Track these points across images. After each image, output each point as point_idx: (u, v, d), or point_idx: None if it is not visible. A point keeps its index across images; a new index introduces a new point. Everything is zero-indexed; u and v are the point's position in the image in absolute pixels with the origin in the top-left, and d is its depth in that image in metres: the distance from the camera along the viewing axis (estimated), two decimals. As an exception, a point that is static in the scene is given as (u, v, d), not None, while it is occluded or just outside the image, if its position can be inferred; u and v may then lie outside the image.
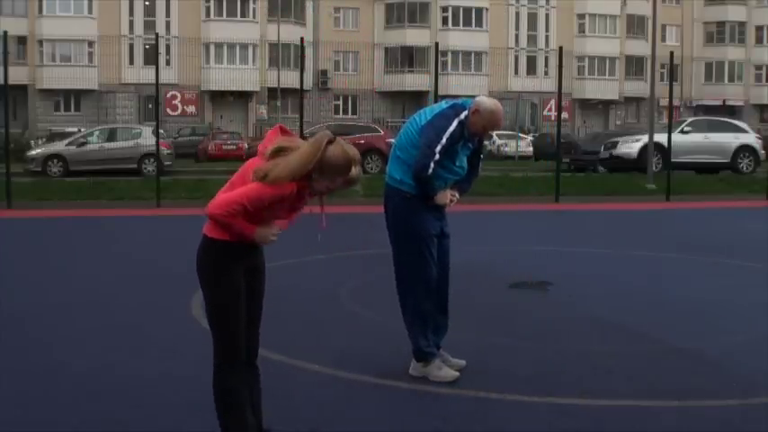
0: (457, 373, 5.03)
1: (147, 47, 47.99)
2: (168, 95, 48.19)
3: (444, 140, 4.86)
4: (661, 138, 21.14)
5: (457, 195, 5.12)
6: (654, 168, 21.46)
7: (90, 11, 48.58)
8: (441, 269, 5.16)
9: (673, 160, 19.29)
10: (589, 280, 8.51)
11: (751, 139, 25.67)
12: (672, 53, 19.10)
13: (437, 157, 4.85)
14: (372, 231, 12.96)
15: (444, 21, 53.47)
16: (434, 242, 5.08)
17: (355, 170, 3.46)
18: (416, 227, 5.01)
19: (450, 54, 50.34)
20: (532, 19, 55.80)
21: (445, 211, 5.17)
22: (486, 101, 5.04)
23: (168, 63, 47.44)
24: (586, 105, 56.94)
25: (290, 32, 46.58)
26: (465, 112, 4.94)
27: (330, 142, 3.39)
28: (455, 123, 4.91)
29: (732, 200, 17.73)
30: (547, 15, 56.36)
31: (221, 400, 3.59)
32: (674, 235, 12.21)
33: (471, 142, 5.08)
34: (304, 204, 3.57)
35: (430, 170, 4.86)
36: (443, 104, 5.09)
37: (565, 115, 50.01)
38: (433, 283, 5.06)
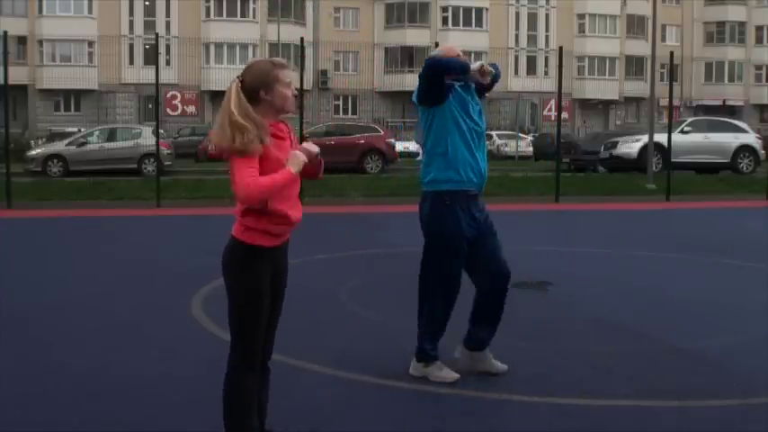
0: (457, 375, 5.03)
1: (147, 47, 48.01)
2: (168, 95, 48.20)
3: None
4: (661, 138, 21.14)
5: (491, 68, 4.91)
6: (654, 168, 21.46)
7: (90, 11, 48.60)
8: (495, 266, 5.01)
9: (673, 160, 19.28)
10: (589, 280, 8.51)
11: (751, 139, 25.67)
12: (672, 53, 19.09)
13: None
14: (372, 231, 12.99)
15: (444, 21, 53.48)
16: (465, 250, 4.95)
17: (279, 59, 3.53)
18: (449, 234, 4.90)
19: (449, 54, 50.29)
20: (532, 19, 55.80)
21: (485, 208, 5.04)
22: (437, 50, 5.10)
23: (168, 63, 47.46)
24: (586, 105, 56.93)
25: (290, 32, 46.61)
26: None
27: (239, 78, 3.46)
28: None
29: (732, 200, 17.73)
30: (547, 15, 56.37)
31: (231, 399, 3.57)
32: (674, 235, 12.21)
33: (472, 99, 4.99)
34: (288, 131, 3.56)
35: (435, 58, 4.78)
36: None
37: (565, 115, 49.99)
38: (454, 292, 5.01)
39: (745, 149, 25.20)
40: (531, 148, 39.21)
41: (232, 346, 3.57)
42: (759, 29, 60.90)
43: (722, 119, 29.83)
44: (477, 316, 5.13)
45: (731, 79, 60.12)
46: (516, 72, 54.38)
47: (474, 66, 4.87)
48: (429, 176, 4.96)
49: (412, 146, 38.26)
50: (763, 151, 25.66)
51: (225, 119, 3.38)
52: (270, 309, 3.61)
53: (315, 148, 3.55)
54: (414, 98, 5.06)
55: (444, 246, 4.94)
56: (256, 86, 3.45)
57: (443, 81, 4.83)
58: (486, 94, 5.32)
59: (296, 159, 3.44)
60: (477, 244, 4.99)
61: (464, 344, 5.18)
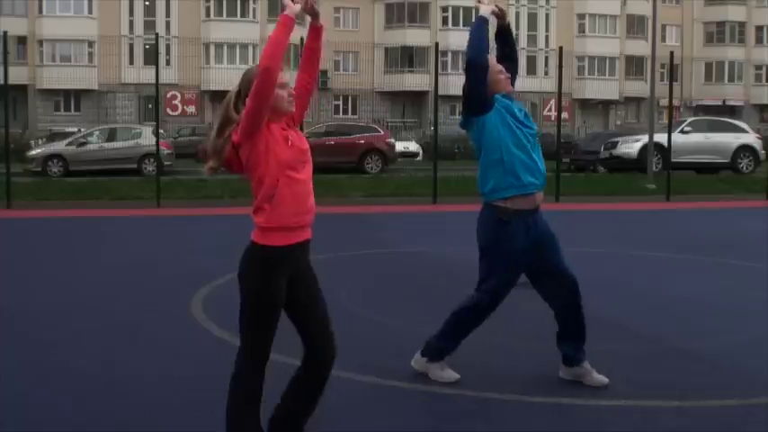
0: (457, 375, 5.02)
1: (147, 47, 48.00)
2: (168, 95, 48.19)
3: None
4: (661, 138, 21.14)
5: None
6: (654, 168, 21.47)
7: (90, 11, 48.58)
8: (560, 280, 4.94)
9: (673, 160, 19.28)
10: (589, 280, 8.47)
11: (751, 139, 25.68)
12: (672, 53, 19.09)
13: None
14: (372, 231, 12.98)
15: (444, 21, 53.47)
16: (518, 268, 4.90)
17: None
18: (503, 252, 4.82)
19: (450, 54, 50.29)
20: (532, 19, 55.79)
21: (539, 215, 4.94)
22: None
23: (168, 63, 47.44)
24: (586, 105, 56.93)
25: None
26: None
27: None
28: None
29: (732, 200, 17.73)
30: (547, 15, 56.36)
31: (235, 400, 3.57)
32: (674, 235, 12.21)
33: (514, 103, 4.97)
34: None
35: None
36: None
37: (565, 115, 50.01)
38: (495, 307, 4.98)
39: (745, 149, 25.21)
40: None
41: (241, 346, 3.57)
42: (759, 29, 60.89)
43: (722, 119, 29.84)
44: (561, 333, 5.06)
45: (731, 79, 60.11)
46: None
47: (483, 12, 4.85)
48: (488, 186, 4.83)
49: (412, 146, 38.29)
50: (763, 151, 25.66)
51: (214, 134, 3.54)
52: (310, 311, 3.62)
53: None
54: (462, 119, 4.99)
55: (497, 262, 4.86)
56: (249, 91, 3.47)
57: (485, 68, 4.80)
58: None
59: (293, 10, 3.46)
60: (539, 259, 4.90)
61: (563, 362, 5.10)
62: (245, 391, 3.57)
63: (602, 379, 5.01)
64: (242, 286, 3.56)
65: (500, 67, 4.96)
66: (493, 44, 5.11)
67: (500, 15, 4.95)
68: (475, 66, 4.80)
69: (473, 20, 4.92)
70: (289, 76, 3.58)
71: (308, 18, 3.72)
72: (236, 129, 3.49)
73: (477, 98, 4.82)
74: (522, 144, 4.81)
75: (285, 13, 3.46)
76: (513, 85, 5.06)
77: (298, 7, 3.49)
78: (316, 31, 3.74)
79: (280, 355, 5.46)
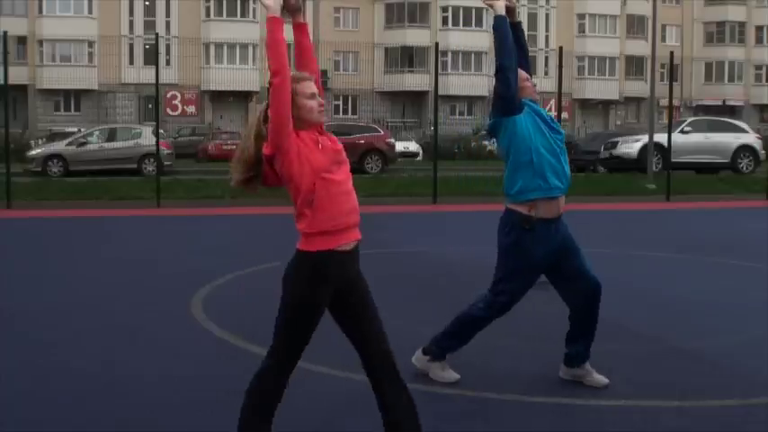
0: (458, 375, 5.02)
1: (147, 47, 48.00)
2: (168, 95, 48.20)
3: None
4: (661, 138, 21.14)
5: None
6: (654, 168, 21.47)
7: (90, 11, 48.59)
8: (583, 283, 4.98)
9: (673, 160, 19.28)
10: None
11: (751, 139, 25.68)
12: (672, 53, 19.09)
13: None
14: (372, 231, 12.96)
15: (444, 21, 53.47)
16: (535, 277, 4.92)
17: (298, 73, 3.60)
18: (522, 260, 4.83)
19: (450, 54, 50.36)
20: (532, 19, 55.77)
21: (561, 222, 4.98)
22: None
23: (168, 63, 47.46)
24: (586, 105, 56.94)
25: (289, 32, 46.23)
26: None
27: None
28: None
29: (732, 200, 17.73)
30: (547, 15, 56.37)
31: (253, 399, 3.54)
32: (674, 235, 12.21)
33: (541, 108, 4.97)
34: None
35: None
36: None
37: (565, 115, 50.05)
38: (508, 310, 4.99)
39: (745, 149, 25.21)
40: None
41: (272, 347, 3.54)
42: (759, 29, 60.90)
43: (722, 119, 29.84)
44: (571, 334, 5.08)
45: (731, 79, 60.12)
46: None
47: (501, 10, 4.85)
48: (516, 187, 4.83)
49: (412, 146, 38.28)
50: (763, 151, 25.67)
51: (243, 149, 3.52)
52: (363, 320, 3.58)
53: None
54: (490, 123, 4.97)
55: (515, 266, 4.86)
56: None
57: (515, 72, 4.82)
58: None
59: (267, 8, 3.49)
60: (560, 263, 4.92)
61: (564, 363, 5.12)
62: (264, 390, 3.53)
63: (602, 379, 5.02)
64: (285, 290, 3.50)
65: (526, 74, 4.97)
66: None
67: (511, 9, 4.95)
68: (506, 71, 4.79)
69: (492, 24, 4.87)
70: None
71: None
72: (266, 143, 3.45)
73: (509, 100, 4.81)
74: (552, 148, 4.83)
75: (268, 15, 3.46)
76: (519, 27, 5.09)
77: (277, 2, 3.48)
78: (299, 28, 3.72)
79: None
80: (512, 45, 4.85)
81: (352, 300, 3.57)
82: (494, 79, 4.87)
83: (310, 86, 3.52)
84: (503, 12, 4.87)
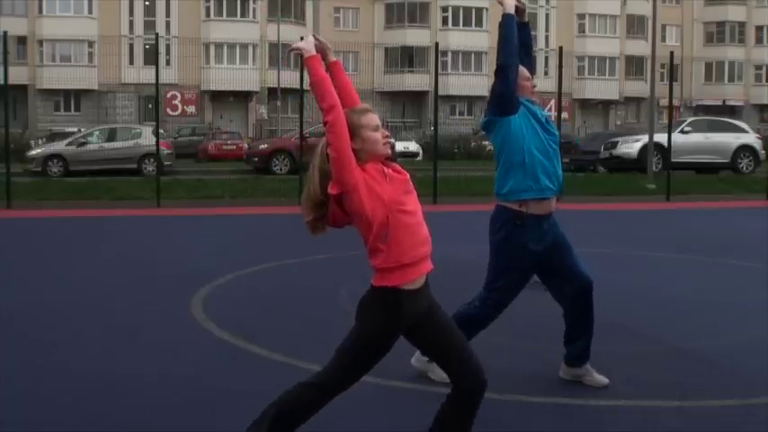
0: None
1: (147, 47, 48.02)
2: (168, 95, 48.21)
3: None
4: (661, 138, 21.14)
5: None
6: (654, 168, 21.46)
7: (90, 11, 48.61)
8: (575, 281, 4.97)
9: (673, 160, 19.28)
10: (589, 280, 8.49)
11: (751, 139, 25.68)
12: (672, 53, 19.08)
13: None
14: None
15: (444, 21, 53.50)
16: (534, 267, 4.90)
17: (360, 106, 3.52)
18: (514, 256, 4.82)
19: (450, 54, 50.38)
20: (532, 19, 55.08)
21: (553, 219, 4.98)
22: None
23: (168, 63, 47.49)
24: (586, 105, 56.95)
25: (290, 32, 46.58)
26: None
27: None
28: None
29: (732, 200, 17.73)
30: (547, 15, 56.40)
31: (285, 409, 3.45)
32: (674, 235, 12.21)
33: (536, 107, 4.96)
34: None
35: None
36: None
37: (565, 115, 50.04)
38: (503, 307, 4.98)
39: (745, 149, 25.21)
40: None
41: (328, 370, 3.47)
42: (759, 29, 60.93)
43: (722, 119, 29.84)
44: (568, 334, 5.08)
45: (731, 79, 60.14)
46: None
47: (508, 10, 4.85)
48: (506, 187, 4.83)
49: (412, 146, 38.27)
50: (763, 151, 25.67)
51: (310, 188, 3.42)
52: (444, 342, 3.52)
53: (306, 43, 3.47)
54: (484, 120, 4.96)
55: (507, 263, 4.86)
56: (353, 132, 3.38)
57: (516, 70, 4.79)
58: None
59: (303, 50, 3.43)
60: (552, 261, 4.91)
61: (564, 362, 5.12)
62: (300, 404, 3.46)
63: (602, 379, 5.02)
64: (359, 322, 3.43)
65: (527, 74, 4.95)
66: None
67: (521, 9, 4.96)
68: (507, 69, 4.77)
69: (500, 22, 4.86)
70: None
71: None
72: (331, 182, 3.36)
73: (507, 99, 4.79)
74: (545, 149, 4.82)
75: (305, 57, 3.40)
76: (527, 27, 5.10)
77: (309, 41, 3.44)
78: (334, 66, 3.61)
79: (281, 355, 5.47)
80: (515, 44, 4.83)
81: (424, 330, 3.51)
82: (493, 77, 4.86)
83: (374, 118, 3.47)
84: (512, 10, 4.86)
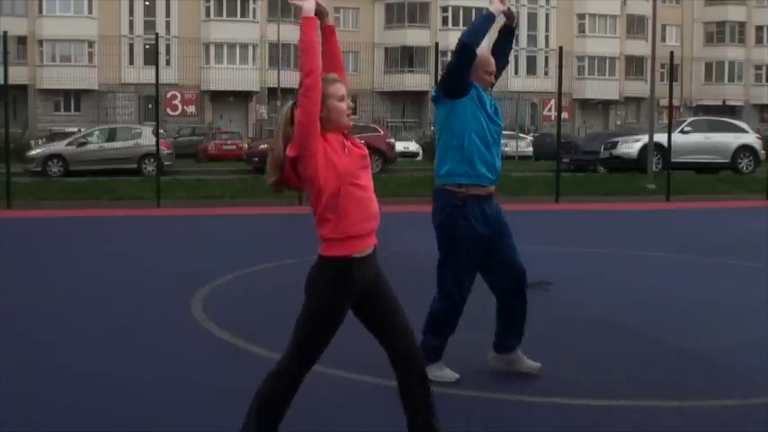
0: (457, 375, 5.03)
1: (147, 47, 48.02)
2: (168, 95, 48.21)
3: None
4: (661, 138, 21.15)
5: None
6: (654, 168, 21.47)
7: (90, 11, 48.61)
8: (511, 270, 5.01)
9: (673, 160, 19.28)
10: (589, 280, 8.51)
11: (751, 139, 25.68)
12: (672, 53, 19.08)
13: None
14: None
15: (444, 21, 53.50)
16: (478, 250, 4.93)
17: (330, 74, 3.54)
18: (460, 234, 4.86)
19: (449, 54, 50.31)
20: (532, 19, 55.80)
21: (499, 209, 5.03)
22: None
23: (168, 63, 47.48)
24: (586, 105, 56.96)
25: (290, 32, 46.60)
26: None
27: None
28: None
29: (732, 200, 17.73)
30: (547, 15, 56.38)
31: (262, 399, 3.51)
32: (674, 235, 12.21)
33: (488, 100, 4.98)
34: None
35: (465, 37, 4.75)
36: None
37: (565, 115, 50.03)
38: (466, 292, 5.00)
39: (745, 149, 25.21)
40: (531, 148, 39.21)
41: (290, 353, 3.52)
42: (759, 29, 60.93)
43: (722, 119, 29.84)
44: (500, 321, 5.13)
45: (731, 79, 60.14)
46: (516, 72, 54.30)
47: (495, 11, 4.83)
48: (444, 169, 4.91)
49: (412, 146, 38.28)
50: (763, 151, 25.67)
51: (273, 150, 3.46)
52: (387, 316, 3.58)
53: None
54: (434, 92, 5.00)
55: (455, 246, 4.90)
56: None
57: (473, 56, 4.81)
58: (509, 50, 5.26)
59: (303, 9, 3.43)
60: (490, 247, 4.95)
61: (494, 348, 5.18)
62: (275, 393, 3.52)
63: (534, 364, 5.12)
64: (309, 295, 3.48)
65: (493, 67, 4.98)
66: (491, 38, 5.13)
67: (509, 16, 4.98)
68: (466, 50, 4.78)
69: (482, 13, 4.90)
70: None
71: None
72: (290, 144, 3.42)
73: (458, 82, 4.83)
74: (485, 138, 4.87)
75: (303, 15, 3.42)
76: (496, 79, 5.10)
77: (311, 3, 3.45)
78: (328, 30, 3.65)
79: (280, 355, 5.47)
80: (481, 36, 4.83)
81: (373, 299, 3.57)
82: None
83: (341, 89, 3.51)
84: (496, 13, 4.86)
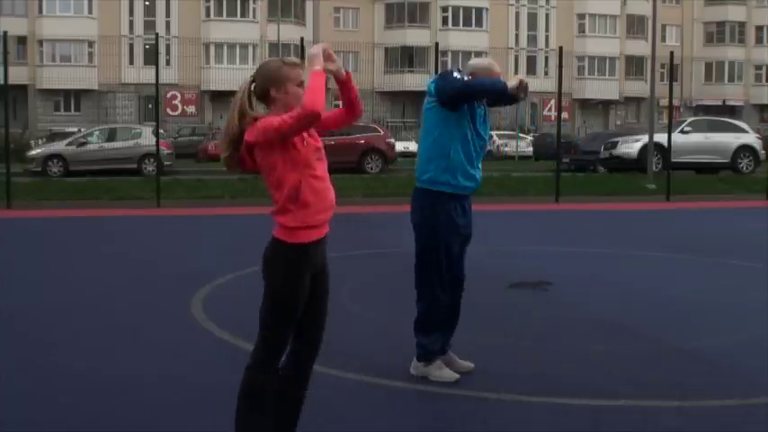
0: (457, 375, 5.03)
1: (147, 47, 48.01)
2: (168, 95, 48.20)
3: (457, 74, 4.82)
4: (661, 138, 21.14)
5: (526, 80, 4.95)
6: (654, 168, 21.46)
7: (90, 11, 48.60)
8: (458, 271, 5.10)
9: (673, 160, 19.28)
10: (589, 280, 8.51)
11: (751, 139, 25.67)
12: (672, 53, 19.08)
13: (458, 75, 4.79)
14: (372, 231, 12.98)
15: (444, 21, 53.49)
16: (458, 245, 5.02)
17: (290, 58, 3.53)
18: (443, 231, 4.93)
19: (450, 54, 50.33)
20: (532, 19, 55.80)
21: (470, 214, 5.10)
22: (476, 61, 5.09)
23: (168, 63, 47.46)
24: (586, 105, 56.94)
25: (290, 32, 46.59)
26: (466, 76, 4.90)
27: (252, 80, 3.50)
28: (457, 73, 4.88)
29: (732, 200, 17.73)
30: (547, 15, 56.37)
31: (248, 397, 3.54)
32: (674, 235, 12.21)
33: (482, 110, 5.03)
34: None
35: (457, 76, 4.77)
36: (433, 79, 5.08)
37: (565, 115, 50.03)
38: (448, 286, 5.04)
39: (745, 149, 25.20)
40: (531, 148, 39.22)
41: (259, 342, 3.55)
42: (759, 29, 60.90)
43: (722, 119, 29.83)
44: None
45: (731, 79, 60.12)
46: (516, 72, 54.33)
47: (512, 84, 4.84)
48: (427, 175, 4.98)
49: (412, 146, 38.28)
50: (763, 151, 25.65)
51: (228, 123, 3.47)
52: (315, 306, 3.61)
53: (318, 49, 3.47)
54: (430, 93, 4.99)
55: (437, 241, 4.96)
56: (267, 85, 3.48)
57: (472, 100, 4.90)
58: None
59: (312, 59, 3.43)
60: (455, 245, 5.06)
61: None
62: (256, 388, 3.54)
63: (468, 364, 5.16)
64: (269, 279, 3.51)
65: (497, 78, 4.97)
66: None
67: (524, 91, 4.93)
68: (469, 93, 4.83)
69: (501, 82, 4.86)
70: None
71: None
72: (250, 124, 3.43)
73: (456, 102, 4.86)
74: (470, 152, 4.94)
75: (316, 69, 3.41)
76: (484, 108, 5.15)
77: (318, 49, 3.45)
78: (344, 83, 3.62)
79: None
80: (489, 95, 4.94)
81: (316, 286, 3.60)
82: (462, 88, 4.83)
83: (301, 74, 3.51)
84: (512, 91, 4.84)
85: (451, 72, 4.91)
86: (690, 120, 27.03)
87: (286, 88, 3.47)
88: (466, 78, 4.86)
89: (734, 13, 60.30)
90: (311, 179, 3.45)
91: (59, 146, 27.29)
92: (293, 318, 3.53)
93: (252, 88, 3.52)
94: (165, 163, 24.55)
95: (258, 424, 3.53)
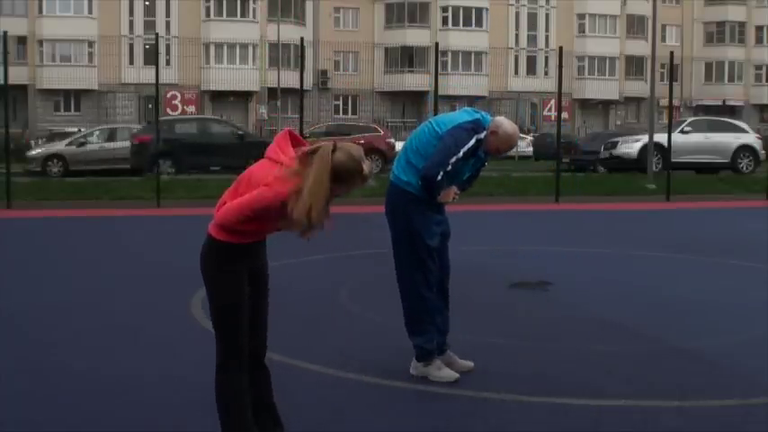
0: (457, 375, 5.03)
1: (147, 47, 47.99)
2: (168, 95, 48.16)
3: (461, 154, 4.87)
4: (661, 138, 21.14)
5: (458, 192, 5.08)
6: (654, 168, 21.46)
7: (90, 11, 48.57)
8: (443, 269, 5.15)
9: (673, 160, 19.28)
10: (589, 280, 8.51)
11: (751, 139, 25.67)
12: (672, 53, 19.08)
13: (449, 168, 4.85)
14: (372, 231, 12.97)
15: (444, 21, 53.46)
16: (437, 241, 5.06)
17: (366, 166, 3.40)
18: (419, 226, 5.00)
19: (450, 54, 50.33)
20: (532, 19, 55.77)
21: (445, 211, 5.17)
22: (506, 123, 4.99)
23: (168, 63, 47.42)
24: (586, 105, 56.92)
25: (290, 32, 46.55)
26: (484, 132, 4.92)
27: (334, 150, 3.33)
28: (473, 140, 4.89)
29: (732, 200, 17.73)
30: (547, 15, 56.35)
31: (222, 400, 3.59)
32: (674, 235, 12.21)
33: (482, 157, 5.07)
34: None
35: (439, 177, 4.85)
36: (464, 115, 5.04)
37: (565, 115, 50.01)
38: (434, 283, 5.06)
39: (745, 149, 25.20)
40: (530, 148, 39.21)
41: (217, 346, 3.58)
42: (759, 29, 60.88)
43: (722, 119, 29.83)
44: None
45: (731, 79, 60.10)
46: (516, 72, 54.36)
47: (440, 197, 4.97)
48: (407, 178, 5.05)
49: (412, 146, 38.22)
50: (763, 151, 25.66)
51: (317, 186, 3.34)
52: (255, 307, 3.62)
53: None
54: (442, 132, 5.03)
55: (413, 230, 5.02)
56: (341, 177, 3.35)
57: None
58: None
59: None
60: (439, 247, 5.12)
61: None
62: (229, 389, 3.57)
63: (468, 364, 5.17)
64: (206, 280, 3.57)
65: (509, 150, 5.20)
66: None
67: (443, 201, 5.04)
68: (423, 183, 4.96)
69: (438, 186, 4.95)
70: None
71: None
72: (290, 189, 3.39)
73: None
74: (453, 177, 4.97)
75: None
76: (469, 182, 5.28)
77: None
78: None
79: (280, 355, 5.47)
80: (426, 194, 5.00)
81: (252, 284, 3.62)
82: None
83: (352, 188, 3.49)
84: (443, 199, 4.99)
85: (447, 158, 4.86)
86: (690, 120, 27.03)
87: (339, 187, 3.39)
88: (449, 168, 4.86)
89: (734, 13, 60.28)
90: (261, 226, 3.54)
91: (59, 146, 27.29)
92: (239, 314, 3.54)
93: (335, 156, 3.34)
94: (166, 163, 24.51)
95: (236, 427, 3.56)
